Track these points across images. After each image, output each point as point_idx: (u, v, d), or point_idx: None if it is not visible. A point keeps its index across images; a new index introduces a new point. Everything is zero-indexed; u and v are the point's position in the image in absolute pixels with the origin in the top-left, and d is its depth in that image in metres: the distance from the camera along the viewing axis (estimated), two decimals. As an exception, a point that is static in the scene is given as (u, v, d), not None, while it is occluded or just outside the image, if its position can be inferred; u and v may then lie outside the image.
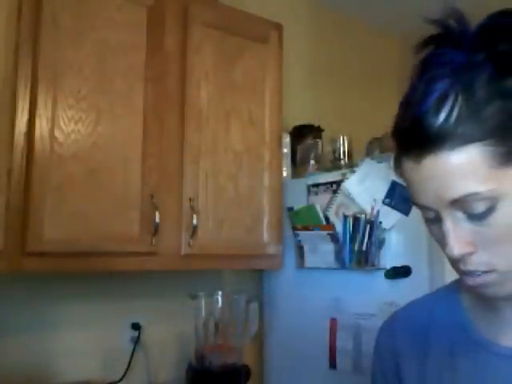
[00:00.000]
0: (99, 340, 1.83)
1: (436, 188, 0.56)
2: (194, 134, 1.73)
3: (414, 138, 0.56)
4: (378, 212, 1.65)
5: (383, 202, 1.66)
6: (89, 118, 1.51)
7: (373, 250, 1.66)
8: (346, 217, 1.74)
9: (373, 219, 1.66)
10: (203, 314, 1.82)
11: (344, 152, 2.07)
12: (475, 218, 0.56)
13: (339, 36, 2.76)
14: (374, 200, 1.67)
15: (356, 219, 1.71)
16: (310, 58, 2.62)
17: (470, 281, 0.59)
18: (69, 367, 1.75)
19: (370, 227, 1.66)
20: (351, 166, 1.89)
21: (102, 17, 1.56)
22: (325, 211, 1.82)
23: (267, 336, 2.11)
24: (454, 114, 0.54)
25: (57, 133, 1.45)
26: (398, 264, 1.62)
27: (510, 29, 0.54)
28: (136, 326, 1.89)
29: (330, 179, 1.85)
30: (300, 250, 1.92)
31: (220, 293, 1.87)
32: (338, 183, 1.79)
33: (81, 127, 1.49)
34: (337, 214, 1.78)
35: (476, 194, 0.54)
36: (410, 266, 1.59)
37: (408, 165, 0.58)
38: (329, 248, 1.79)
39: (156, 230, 1.59)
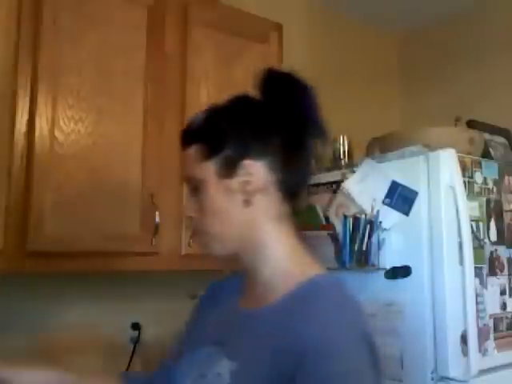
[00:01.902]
0: (99, 340, 1.83)
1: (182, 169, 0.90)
2: (194, 134, 1.73)
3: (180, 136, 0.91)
4: (378, 212, 1.65)
5: (383, 202, 1.65)
6: (89, 118, 1.51)
7: (373, 250, 1.65)
8: (345, 217, 1.73)
9: (373, 219, 1.66)
10: (203, 314, 1.82)
11: (344, 152, 2.07)
12: (194, 192, 0.86)
13: (339, 36, 2.76)
14: (374, 200, 1.66)
15: (356, 219, 1.70)
16: (310, 58, 2.62)
17: (195, 239, 0.90)
18: (69, 367, 1.75)
19: (370, 227, 1.66)
20: (351, 165, 1.89)
21: (102, 17, 1.56)
22: (325, 211, 1.82)
23: (267, 336, 2.11)
24: (194, 126, 0.89)
25: (57, 133, 1.45)
26: (398, 264, 1.62)
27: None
28: (136, 326, 1.89)
29: (330, 179, 1.84)
30: (300, 250, 1.91)
31: (220, 293, 1.86)
32: (338, 183, 1.79)
33: (81, 127, 1.49)
34: (337, 214, 1.78)
35: (190, 175, 0.87)
36: (410, 266, 1.59)
37: None
38: (329, 248, 1.79)
39: (156, 229, 1.59)
